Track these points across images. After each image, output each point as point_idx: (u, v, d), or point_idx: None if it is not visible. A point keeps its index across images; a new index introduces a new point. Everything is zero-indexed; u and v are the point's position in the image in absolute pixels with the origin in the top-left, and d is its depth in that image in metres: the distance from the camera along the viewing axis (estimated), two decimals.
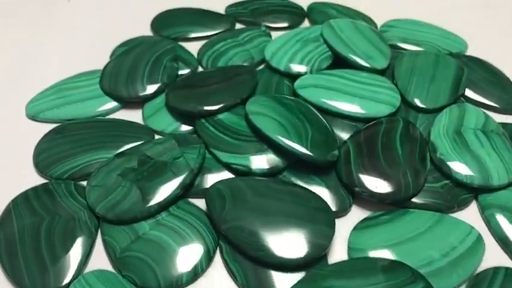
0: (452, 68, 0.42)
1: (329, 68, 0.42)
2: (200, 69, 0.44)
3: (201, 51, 0.45)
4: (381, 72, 0.42)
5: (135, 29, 0.48)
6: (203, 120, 0.36)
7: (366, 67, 0.41)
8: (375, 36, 0.44)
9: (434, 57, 0.43)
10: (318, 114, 0.37)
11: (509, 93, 0.41)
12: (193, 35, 0.47)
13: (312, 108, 0.37)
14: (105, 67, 0.41)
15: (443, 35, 0.47)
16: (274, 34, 0.48)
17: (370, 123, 0.37)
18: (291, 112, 0.36)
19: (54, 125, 0.37)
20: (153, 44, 0.43)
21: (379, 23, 0.50)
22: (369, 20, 0.50)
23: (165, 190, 0.31)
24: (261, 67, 0.44)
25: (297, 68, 0.41)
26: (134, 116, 0.39)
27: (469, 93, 0.41)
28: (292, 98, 0.38)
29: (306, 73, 0.41)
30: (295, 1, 0.52)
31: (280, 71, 0.42)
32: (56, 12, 0.51)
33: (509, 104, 0.41)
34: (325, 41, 0.44)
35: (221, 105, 0.36)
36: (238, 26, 0.50)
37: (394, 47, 0.46)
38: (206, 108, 0.36)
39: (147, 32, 0.48)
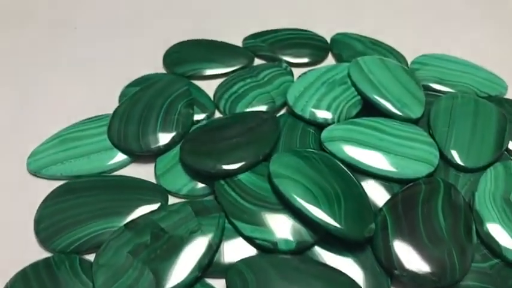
0: (494, 117, 0.38)
1: (358, 113, 0.39)
2: (217, 113, 0.40)
3: (218, 94, 0.41)
4: (415, 121, 0.38)
5: (146, 65, 0.44)
6: (222, 182, 0.33)
7: (400, 116, 0.38)
8: (407, 78, 0.40)
9: (474, 104, 0.39)
10: (350, 175, 0.33)
11: None
12: (209, 73, 0.43)
13: (343, 167, 0.34)
14: (113, 115, 0.38)
15: (480, 75, 0.44)
16: (296, 71, 0.44)
17: (408, 187, 0.33)
18: (320, 173, 0.32)
19: (58, 182, 0.34)
20: (166, 86, 0.40)
21: (409, 57, 0.46)
22: (398, 55, 0.46)
23: (181, 272, 0.28)
24: (283, 111, 0.41)
25: (323, 115, 0.38)
26: (146, 171, 0.35)
27: None
28: (320, 153, 0.34)
29: (333, 121, 0.38)
30: (317, 31, 0.49)
31: (304, 119, 0.38)
32: (60, 47, 0.47)
33: None
34: (354, 84, 0.40)
35: (242, 164, 0.33)
36: (256, 60, 0.46)
37: (426, 88, 0.42)
38: (225, 167, 0.33)
39: (159, 67, 0.45)
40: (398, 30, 0.50)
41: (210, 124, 0.37)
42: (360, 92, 0.39)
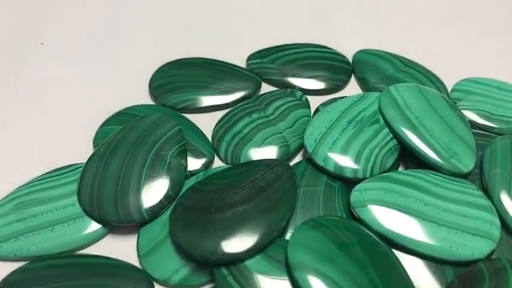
0: None
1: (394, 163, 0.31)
2: (217, 162, 0.32)
3: (218, 135, 0.33)
4: (466, 176, 0.31)
5: (128, 92, 0.36)
6: (225, 273, 0.25)
7: (448, 170, 0.30)
8: (452, 114, 0.33)
9: None
10: (391, 257, 0.26)
11: None
12: (205, 104, 0.35)
13: (381, 244, 0.26)
14: (83, 171, 0.29)
15: None
16: (313, 100, 0.36)
17: (466, 274, 0.26)
18: (353, 258, 0.25)
19: (12, 266, 0.26)
20: (151, 127, 0.31)
21: (447, 81, 0.38)
22: (436, 80, 0.38)
23: None
24: (298, 158, 0.33)
25: (352, 167, 0.30)
26: (129, 245, 0.28)
27: None
28: (351, 225, 0.27)
29: (364, 175, 0.30)
30: (337, 47, 0.40)
31: (328, 172, 0.30)
32: (19, 67, 0.39)
33: None
34: (387, 123, 0.32)
35: (250, 246, 0.25)
36: (264, 86, 0.38)
37: (471, 124, 0.35)
38: (228, 251, 0.25)
39: (145, 96, 0.36)
40: (433, 47, 0.42)
41: (208, 182, 0.29)
42: (395, 135, 0.31)
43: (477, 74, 0.39)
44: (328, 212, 0.29)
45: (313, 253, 0.25)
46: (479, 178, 0.31)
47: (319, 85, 0.37)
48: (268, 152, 0.32)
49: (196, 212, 0.27)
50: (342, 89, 0.38)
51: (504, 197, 0.29)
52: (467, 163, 0.30)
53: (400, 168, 0.33)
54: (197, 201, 0.27)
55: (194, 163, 0.31)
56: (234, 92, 0.36)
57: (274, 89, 0.37)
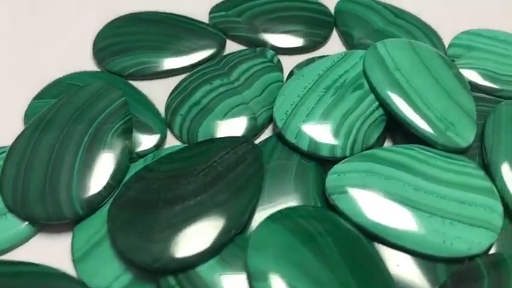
0: None
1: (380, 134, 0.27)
2: (170, 139, 0.28)
3: (171, 107, 0.28)
4: (465, 150, 0.26)
5: (68, 57, 0.31)
6: (172, 283, 0.21)
7: (443, 145, 0.25)
8: (450, 76, 0.27)
9: None
10: (373, 256, 0.21)
11: None
12: (158, 69, 0.30)
13: (362, 240, 0.22)
14: (7, 156, 0.24)
15: None
16: (286, 60, 0.31)
17: (461, 272, 0.22)
18: (327, 261, 0.20)
19: None
20: (89, 100, 0.26)
21: (445, 34, 0.33)
22: (431, 34, 0.32)
23: None
24: (268, 131, 0.28)
25: (329, 144, 0.25)
26: (59, 247, 0.23)
27: None
28: (326, 217, 0.22)
29: (344, 153, 0.25)
30: None
31: (301, 150, 0.26)
32: None
33: None
34: (373, 89, 0.27)
35: (203, 249, 0.21)
36: (229, 44, 0.32)
37: (471, 86, 0.30)
38: (176, 256, 0.20)
39: (88, 61, 0.31)
40: None
41: (155, 168, 0.24)
42: (382, 102, 0.26)
43: (480, 25, 0.33)
44: (301, 199, 0.24)
45: (277, 257, 0.20)
46: (480, 153, 0.26)
47: (295, 42, 0.31)
48: (232, 127, 0.27)
49: (139, 207, 0.22)
50: (322, 46, 0.32)
51: (508, 174, 0.25)
52: (466, 136, 0.25)
53: (387, 143, 0.28)
54: (141, 193, 0.23)
55: (142, 142, 0.26)
56: (193, 53, 0.30)
57: (241, 47, 0.32)
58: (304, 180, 0.25)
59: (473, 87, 0.30)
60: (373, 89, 0.27)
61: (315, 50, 0.32)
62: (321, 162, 0.26)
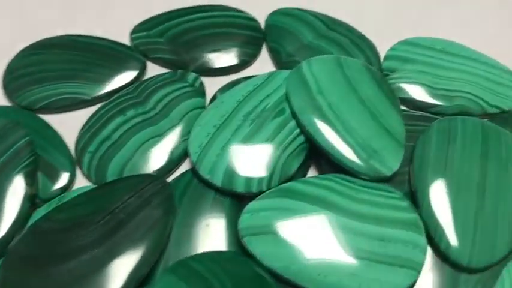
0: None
1: (301, 166, 0.25)
2: (80, 180, 0.26)
3: (81, 143, 0.26)
4: (390, 178, 0.24)
5: None
6: None
7: (365, 173, 0.24)
8: (379, 95, 0.26)
9: (481, 139, 0.25)
10: None
11: None
12: (73, 100, 0.28)
13: (270, 285, 0.20)
14: None
15: (489, 74, 0.28)
16: (213, 82, 0.29)
17: None
18: None
19: None
20: None
21: (382, 42, 0.31)
22: (364, 45, 0.30)
23: None
24: (184, 167, 0.26)
25: (244, 179, 0.24)
26: None
27: None
28: (239, 265, 0.21)
29: (260, 187, 0.23)
30: (246, 8, 0.32)
31: (216, 187, 0.24)
32: None
33: None
34: (294, 115, 0.25)
35: None
36: (152, 68, 0.30)
37: (406, 103, 0.28)
38: None
39: None
40: (366, 3, 0.34)
41: (52, 217, 0.22)
42: (303, 129, 0.25)
43: (421, 33, 0.31)
44: (214, 243, 0.23)
45: None
46: (408, 182, 0.25)
47: (220, 62, 0.29)
48: (144, 164, 0.25)
49: (31, 265, 0.20)
50: (251, 65, 0.30)
51: (434, 202, 0.23)
52: (390, 163, 0.24)
53: (311, 173, 0.26)
54: (34, 248, 0.21)
55: (47, 185, 0.24)
56: (110, 81, 0.28)
57: (164, 71, 0.30)
58: (219, 221, 0.23)
59: (408, 103, 0.28)
60: (294, 115, 0.25)
61: (242, 70, 0.30)
62: (239, 198, 0.24)
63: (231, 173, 0.23)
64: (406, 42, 0.30)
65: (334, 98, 0.25)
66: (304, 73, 0.26)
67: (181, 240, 0.23)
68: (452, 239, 0.22)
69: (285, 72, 0.27)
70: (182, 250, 0.22)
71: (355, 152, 0.23)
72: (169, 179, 0.25)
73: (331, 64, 0.27)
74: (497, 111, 0.27)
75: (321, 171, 0.26)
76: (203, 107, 0.27)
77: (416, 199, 0.23)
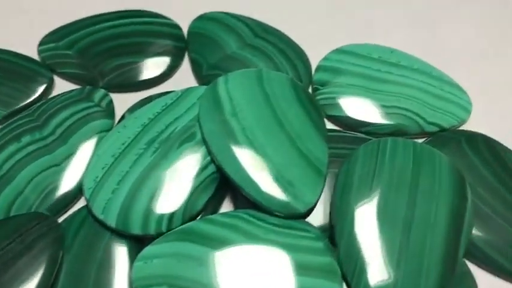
0: (446, 189, 0.21)
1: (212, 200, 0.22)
2: None
3: None
4: (308, 212, 0.22)
5: None
6: None
7: (279, 212, 0.21)
8: (301, 115, 0.23)
9: (412, 166, 0.22)
10: None
11: None
12: None
13: None
14: None
15: (429, 87, 0.26)
16: (124, 100, 0.26)
17: None
18: None
19: None
20: None
21: (316, 50, 0.28)
22: (294, 56, 0.27)
23: None
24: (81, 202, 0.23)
25: (141, 221, 0.21)
26: None
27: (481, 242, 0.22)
28: None
29: (159, 230, 0.21)
30: (170, 14, 0.29)
31: (111, 228, 0.21)
32: None
33: None
34: (204, 141, 0.22)
35: None
36: (60, 83, 0.27)
37: (336, 120, 0.25)
38: None
39: None
40: (301, 7, 0.31)
41: None
42: (213, 158, 0.22)
43: (360, 39, 0.28)
44: None
45: None
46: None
47: (133, 76, 0.27)
48: (33, 201, 0.22)
49: None
50: (169, 78, 0.27)
51: (351, 242, 0.20)
52: (306, 198, 0.21)
53: (226, 207, 0.23)
54: None
55: None
56: (12, 101, 0.25)
57: (74, 87, 0.27)
58: (111, 270, 0.21)
59: (338, 122, 0.25)
60: (204, 141, 0.22)
61: (160, 85, 0.27)
62: (138, 241, 0.21)
63: (126, 212, 0.21)
64: (340, 51, 0.27)
65: (250, 120, 0.22)
66: (219, 91, 0.23)
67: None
68: (372, 280, 0.20)
69: (201, 90, 0.24)
70: None
71: (266, 185, 0.21)
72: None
73: (251, 80, 0.24)
74: (436, 129, 0.25)
75: (235, 204, 0.23)
76: (110, 130, 0.25)
77: (335, 236, 0.21)
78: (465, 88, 0.26)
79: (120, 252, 0.21)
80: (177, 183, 0.21)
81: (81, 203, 0.23)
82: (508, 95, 0.27)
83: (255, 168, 0.21)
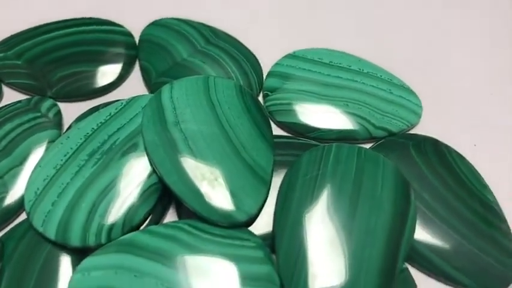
0: (388, 194, 0.21)
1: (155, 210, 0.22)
2: None
3: None
4: (251, 221, 0.22)
5: None
6: None
7: (218, 221, 0.21)
8: (246, 124, 0.23)
9: (355, 172, 0.22)
10: None
11: (507, 250, 0.22)
12: None
13: None
14: None
15: (377, 90, 0.26)
16: (73, 110, 0.26)
17: None
18: None
19: None
20: None
21: (271, 57, 0.28)
22: (245, 63, 0.27)
23: None
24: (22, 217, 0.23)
25: (80, 233, 0.21)
26: None
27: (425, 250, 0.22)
28: None
29: (98, 242, 0.21)
30: (122, 21, 0.29)
31: (50, 240, 0.21)
32: None
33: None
34: (147, 153, 0.22)
35: None
36: (9, 94, 0.27)
37: (284, 127, 0.25)
38: None
39: None
40: (257, 11, 0.31)
41: None
42: (154, 168, 0.22)
43: (317, 43, 0.28)
44: None
45: None
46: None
47: (81, 86, 0.26)
48: None
49: None
50: (118, 87, 0.27)
51: (291, 250, 0.20)
52: (247, 207, 0.21)
53: (171, 216, 0.23)
54: None
55: None
56: None
57: (24, 97, 0.27)
58: (51, 280, 0.21)
59: (286, 128, 0.25)
60: (146, 151, 0.22)
61: (108, 93, 0.27)
62: (79, 252, 0.21)
63: (65, 224, 0.21)
64: (293, 56, 0.27)
65: (193, 129, 0.22)
66: (163, 100, 0.23)
67: None
68: None
69: (146, 98, 0.24)
70: None
71: (207, 195, 0.21)
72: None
73: (197, 87, 0.24)
74: (385, 134, 0.25)
75: (179, 214, 0.23)
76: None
77: (275, 246, 0.21)
78: (417, 92, 0.26)
79: (61, 263, 0.21)
80: (116, 195, 0.21)
81: (24, 216, 0.23)
82: (459, 97, 0.27)
83: (196, 179, 0.21)
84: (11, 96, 0.27)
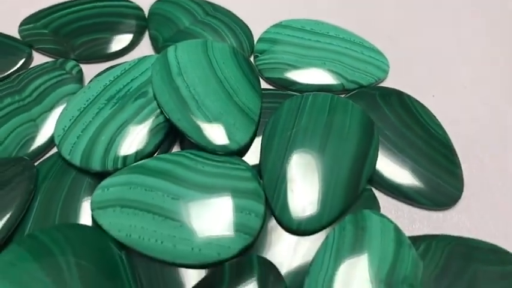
0: (356, 129, 0.26)
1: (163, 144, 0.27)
2: None
3: None
4: (243, 150, 0.26)
5: None
6: None
7: (213, 149, 0.25)
8: (238, 75, 0.27)
9: (328, 112, 0.26)
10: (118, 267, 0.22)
11: (454, 174, 0.26)
12: None
13: (112, 251, 0.22)
14: None
15: (352, 51, 0.30)
16: (94, 70, 0.30)
17: (203, 279, 0.22)
18: (62, 282, 0.21)
19: None
20: None
21: (260, 26, 0.32)
22: (239, 32, 0.32)
23: None
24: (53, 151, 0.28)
25: (100, 160, 0.25)
26: None
27: (384, 169, 0.26)
28: (78, 233, 0.23)
29: (115, 167, 0.25)
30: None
31: (76, 167, 0.26)
32: None
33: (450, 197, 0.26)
34: (155, 97, 0.27)
35: None
36: (38, 57, 0.32)
37: (272, 81, 0.30)
38: None
39: None
40: None
41: None
42: (161, 109, 0.26)
43: (297, 14, 0.33)
44: (68, 218, 0.24)
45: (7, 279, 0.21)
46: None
47: (99, 50, 0.31)
48: (15, 148, 0.27)
49: None
50: (131, 51, 0.32)
51: (274, 175, 0.25)
52: (238, 138, 0.25)
53: (176, 149, 0.28)
54: None
55: None
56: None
57: (49, 60, 0.31)
58: (75, 199, 0.25)
59: (273, 82, 0.30)
60: (154, 96, 0.27)
61: (123, 56, 0.31)
62: (100, 177, 0.26)
63: (88, 153, 0.25)
64: (279, 25, 0.32)
65: (193, 79, 0.27)
66: (169, 56, 0.28)
67: (41, 216, 0.24)
68: (289, 201, 0.24)
69: (154, 57, 0.29)
70: (42, 226, 0.24)
71: (205, 129, 0.25)
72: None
73: (197, 48, 0.28)
74: (356, 86, 0.29)
75: (182, 148, 0.28)
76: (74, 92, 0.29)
77: (261, 171, 0.25)
78: (386, 54, 0.31)
79: (83, 187, 0.25)
80: (130, 130, 0.26)
81: (53, 151, 0.27)
82: (424, 59, 0.32)
83: (195, 116, 0.25)
84: (40, 59, 0.31)
